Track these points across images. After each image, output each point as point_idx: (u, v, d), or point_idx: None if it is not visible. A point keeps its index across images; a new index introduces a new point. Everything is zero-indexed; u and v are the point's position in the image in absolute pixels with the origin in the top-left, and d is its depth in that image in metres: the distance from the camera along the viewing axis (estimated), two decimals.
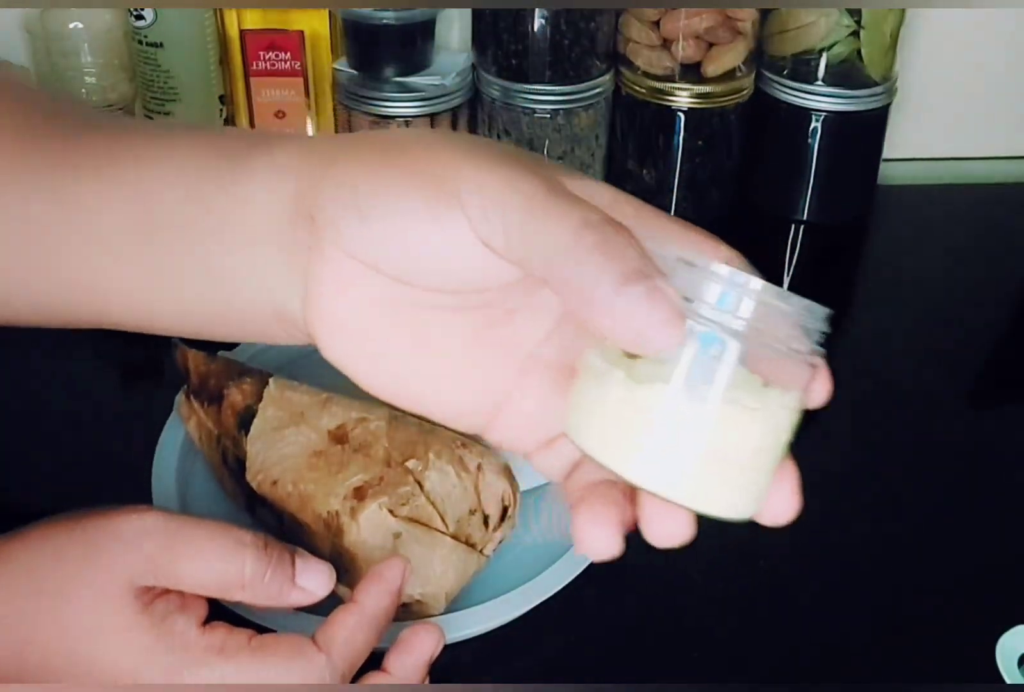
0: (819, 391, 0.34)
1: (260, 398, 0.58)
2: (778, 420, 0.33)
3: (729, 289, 0.31)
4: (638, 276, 0.30)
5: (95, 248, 0.37)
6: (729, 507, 0.33)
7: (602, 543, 0.35)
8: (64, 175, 0.38)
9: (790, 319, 0.32)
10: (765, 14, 0.88)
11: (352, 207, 0.34)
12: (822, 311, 0.33)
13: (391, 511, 0.51)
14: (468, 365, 0.36)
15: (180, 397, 0.63)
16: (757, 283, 0.32)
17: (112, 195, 0.37)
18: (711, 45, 0.86)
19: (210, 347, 0.61)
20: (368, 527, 0.51)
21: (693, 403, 0.31)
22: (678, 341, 0.30)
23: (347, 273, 0.34)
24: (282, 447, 0.55)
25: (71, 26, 0.84)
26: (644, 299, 0.30)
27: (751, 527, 0.65)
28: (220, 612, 0.45)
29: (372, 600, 0.45)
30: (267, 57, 0.85)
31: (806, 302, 0.33)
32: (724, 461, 0.32)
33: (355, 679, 0.44)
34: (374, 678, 0.44)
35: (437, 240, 0.33)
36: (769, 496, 0.35)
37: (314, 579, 0.45)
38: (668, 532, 0.34)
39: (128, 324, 0.39)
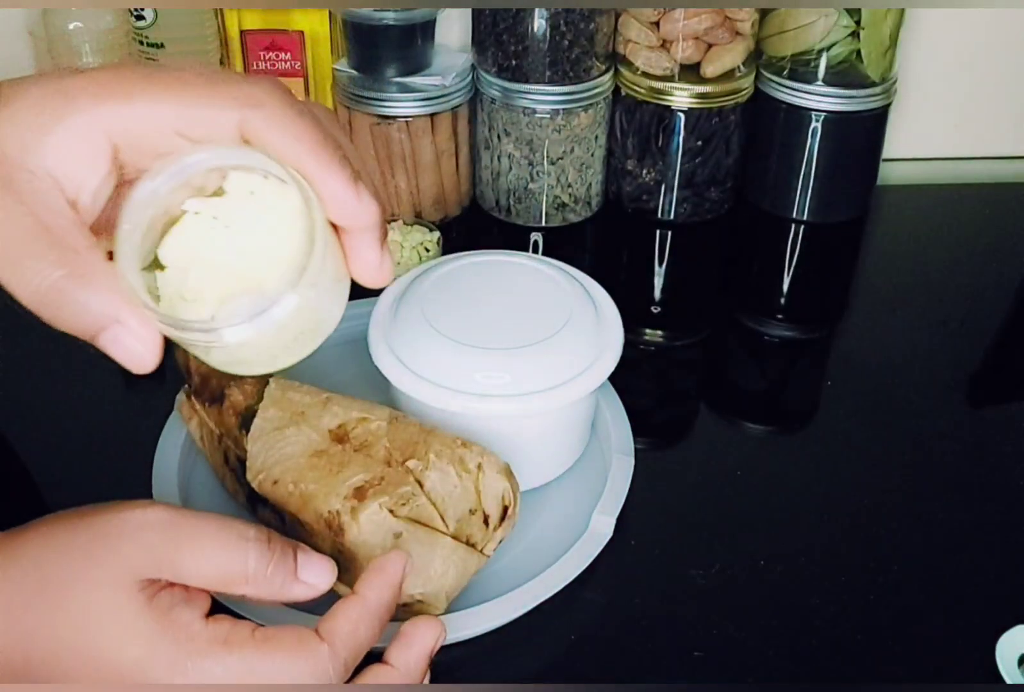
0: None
1: (261, 398, 0.58)
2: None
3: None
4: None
5: None
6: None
7: None
8: None
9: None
10: (764, 14, 0.88)
11: None
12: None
13: (392, 511, 0.51)
14: None
15: (181, 397, 0.63)
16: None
17: None
18: (710, 45, 0.86)
19: None
20: (369, 527, 0.51)
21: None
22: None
23: None
24: (283, 447, 0.55)
25: (72, 26, 0.84)
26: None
27: (752, 527, 0.65)
28: (220, 611, 0.45)
29: (374, 592, 0.45)
30: (267, 57, 0.85)
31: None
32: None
33: (356, 672, 0.44)
34: (376, 671, 0.44)
35: None
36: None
37: (316, 574, 0.45)
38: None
39: None
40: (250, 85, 0.40)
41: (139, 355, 0.38)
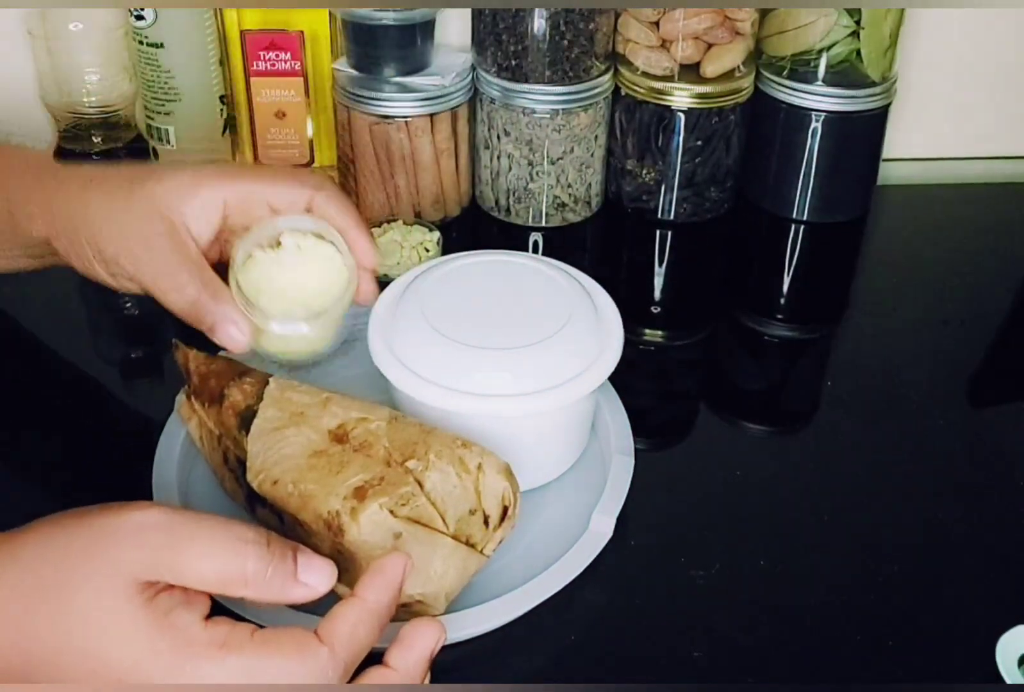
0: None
1: (261, 398, 0.58)
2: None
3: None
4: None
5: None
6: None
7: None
8: None
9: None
10: (764, 14, 0.88)
11: None
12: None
13: (391, 511, 0.51)
14: None
15: (181, 397, 0.63)
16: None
17: None
18: (710, 45, 0.86)
19: (211, 347, 0.61)
20: (369, 527, 0.51)
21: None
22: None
23: None
24: (283, 447, 0.55)
25: (72, 26, 0.84)
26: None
27: (752, 527, 0.65)
28: (220, 611, 0.45)
29: (374, 594, 0.45)
30: (267, 57, 0.85)
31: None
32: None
33: (356, 674, 0.44)
34: (376, 673, 0.44)
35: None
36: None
37: (316, 575, 0.45)
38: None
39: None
40: (313, 175, 0.64)
41: (240, 341, 0.59)
